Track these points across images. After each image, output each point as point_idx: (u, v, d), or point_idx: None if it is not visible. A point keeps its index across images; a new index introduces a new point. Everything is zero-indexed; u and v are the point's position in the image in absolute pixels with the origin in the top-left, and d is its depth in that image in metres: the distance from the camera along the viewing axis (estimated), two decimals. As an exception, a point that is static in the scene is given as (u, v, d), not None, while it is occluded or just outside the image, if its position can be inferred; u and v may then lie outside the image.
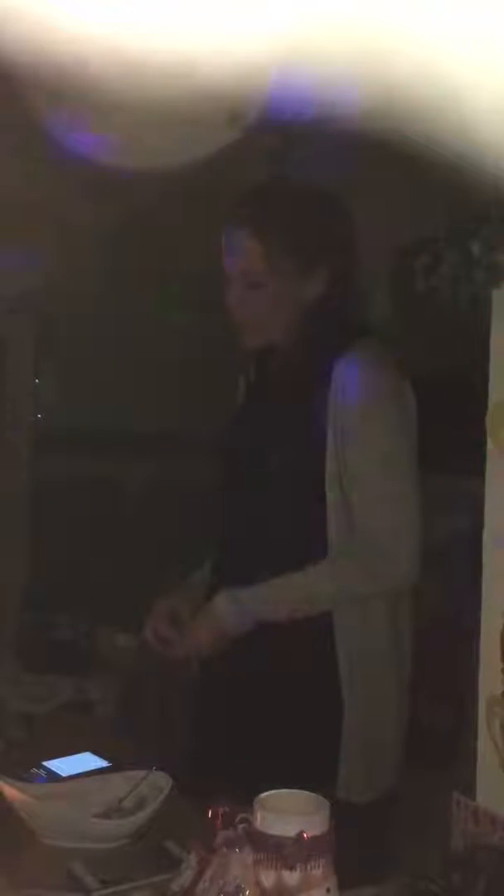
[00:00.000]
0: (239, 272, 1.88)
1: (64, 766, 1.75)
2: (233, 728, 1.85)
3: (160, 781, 1.54)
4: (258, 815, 1.12)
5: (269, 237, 1.84)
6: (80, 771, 1.73)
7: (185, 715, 2.16)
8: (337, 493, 1.80)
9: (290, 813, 1.11)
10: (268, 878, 1.10)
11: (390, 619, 1.84)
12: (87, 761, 1.78)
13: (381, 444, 1.80)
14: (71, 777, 1.70)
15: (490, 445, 1.34)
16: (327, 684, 1.80)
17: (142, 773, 1.57)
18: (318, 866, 1.09)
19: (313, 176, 1.96)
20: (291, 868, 1.08)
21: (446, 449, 1.98)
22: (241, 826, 1.18)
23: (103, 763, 1.76)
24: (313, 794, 1.15)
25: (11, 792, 1.49)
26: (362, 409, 1.79)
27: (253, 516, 1.89)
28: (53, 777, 1.70)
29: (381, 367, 1.84)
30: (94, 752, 1.81)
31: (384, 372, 1.84)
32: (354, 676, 1.81)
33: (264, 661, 1.81)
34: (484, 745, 1.33)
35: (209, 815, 1.25)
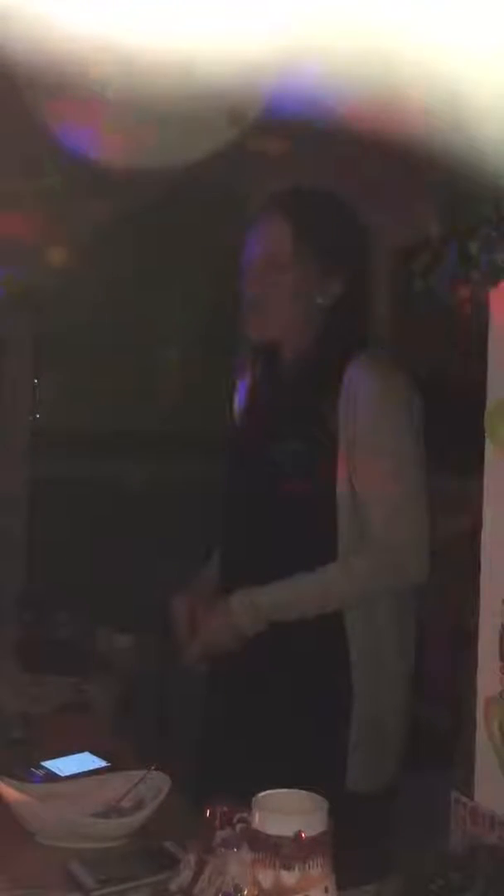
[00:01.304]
0: (264, 255, 1.91)
1: (63, 765, 1.75)
2: (244, 726, 1.86)
3: (158, 781, 1.54)
4: (256, 815, 1.12)
5: (299, 224, 1.89)
6: (79, 771, 1.72)
7: (184, 715, 2.16)
8: (347, 494, 1.83)
9: (287, 812, 1.11)
10: (266, 878, 1.09)
11: (396, 617, 1.88)
12: (86, 761, 1.78)
13: (394, 446, 1.83)
14: (70, 777, 1.70)
15: (488, 444, 1.34)
16: (338, 681, 1.83)
17: (140, 772, 1.57)
18: (316, 866, 1.09)
19: (312, 175, 1.97)
20: (289, 868, 1.08)
21: (445, 448, 1.98)
22: (239, 826, 1.18)
23: (102, 763, 1.76)
24: (311, 794, 1.15)
25: (10, 792, 1.49)
26: (375, 413, 1.82)
27: (262, 517, 1.91)
28: (52, 777, 1.70)
29: (391, 371, 1.88)
30: (93, 752, 1.81)
31: (394, 377, 1.88)
32: (363, 673, 1.83)
33: (276, 659, 1.84)
34: (482, 744, 1.33)
35: (207, 815, 1.25)
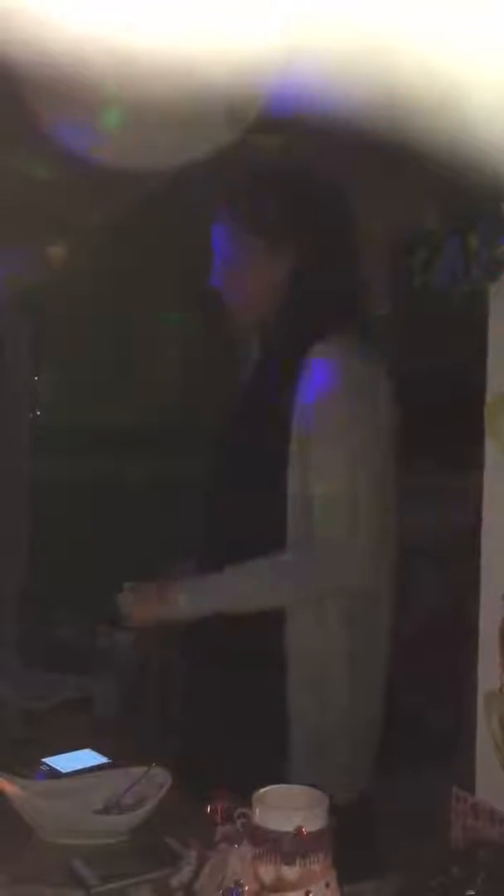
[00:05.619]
0: (218, 251, 1.94)
1: (64, 762, 1.75)
2: (196, 724, 1.88)
3: (159, 777, 1.55)
4: (256, 811, 1.13)
5: (236, 216, 1.91)
6: (81, 767, 1.73)
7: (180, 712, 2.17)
8: (297, 489, 1.76)
9: (288, 808, 1.12)
10: (267, 874, 1.10)
11: (345, 621, 1.79)
12: (87, 758, 1.78)
13: (346, 442, 1.75)
14: (71, 774, 1.70)
15: (488, 439, 1.34)
16: (274, 684, 1.77)
17: (141, 769, 1.58)
18: (317, 861, 1.09)
19: (312, 173, 1.97)
20: (290, 863, 1.09)
21: (444, 443, 1.98)
22: (239, 821, 1.18)
23: (103, 759, 1.77)
24: (312, 790, 1.16)
25: (12, 789, 1.50)
26: (328, 406, 1.75)
27: (223, 511, 1.90)
28: (54, 774, 1.71)
29: (349, 362, 1.78)
30: (94, 749, 1.81)
31: (353, 367, 1.78)
32: (305, 677, 1.77)
33: (218, 658, 1.82)
34: (483, 740, 1.33)
35: (208, 811, 1.26)
